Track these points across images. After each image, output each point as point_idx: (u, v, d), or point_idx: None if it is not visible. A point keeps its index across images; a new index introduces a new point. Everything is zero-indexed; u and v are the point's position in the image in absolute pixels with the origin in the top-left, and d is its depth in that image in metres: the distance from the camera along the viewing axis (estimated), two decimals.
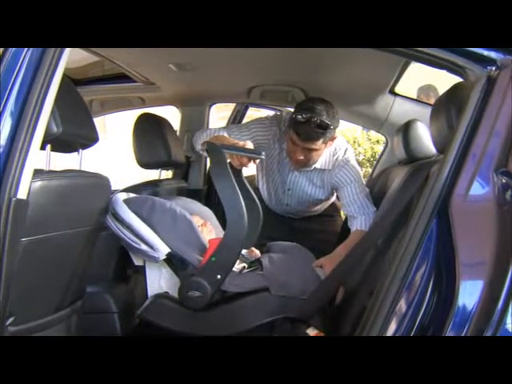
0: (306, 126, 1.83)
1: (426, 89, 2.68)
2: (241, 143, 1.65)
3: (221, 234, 1.77)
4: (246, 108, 2.86)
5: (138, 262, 1.69)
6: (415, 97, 2.52)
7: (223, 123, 2.92)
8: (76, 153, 1.41)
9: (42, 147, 1.21)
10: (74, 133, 1.30)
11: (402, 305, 1.07)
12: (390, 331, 1.07)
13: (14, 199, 1.08)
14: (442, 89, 1.79)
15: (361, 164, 6.00)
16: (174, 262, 1.63)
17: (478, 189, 1.06)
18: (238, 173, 1.70)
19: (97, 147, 1.47)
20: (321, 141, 1.88)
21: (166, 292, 1.64)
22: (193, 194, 2.41)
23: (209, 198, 2.63)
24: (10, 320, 1.18)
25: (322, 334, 1.52)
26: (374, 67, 1.92)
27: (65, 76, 1.20)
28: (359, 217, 1.96)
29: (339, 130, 2.06)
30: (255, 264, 1.73)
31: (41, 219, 1.21)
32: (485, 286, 1.00)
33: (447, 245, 1.05)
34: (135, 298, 1.84)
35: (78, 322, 1.49)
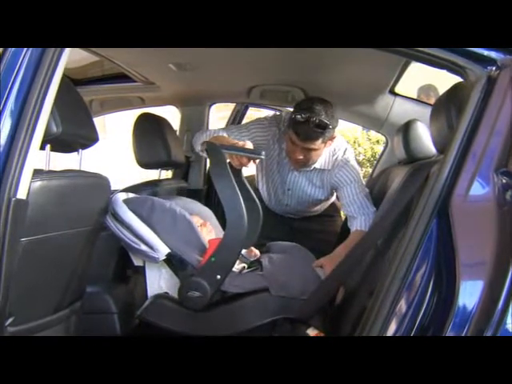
0: (305, 126, 1.83)
1: (426, 89, 2.68)
2: (240, 143, 1.64)
3: (220, 234, 1.77)
4: (246, 108, 2.85)
5: (137, 262, 1.69)
6: (415, 97, 2.52)
7: (223, 123, 2.93)
8: (76, 153, 1.41)
9: (42, 147, 1.20)
10: (73, 133, 1.30)
11: (402, 305, 1.07)
12: (390, 331, 1.07)
13: (13, 199, 1.08)
14: (442, 89, 1.79)
15: (361, 164, 6.00)
16: (173, 262, 1.63)
17: (478, 189, 1.06)
18: (237, 173, 1.69)
19: (96, 147, 1.47)
20: (320, 140, 1.88)
21: (166, 292, 1.64)
22: (193, 194, 2.41)
23: (209, 198, 2.63)
24: (10, 320, 1.17)
25: (322, 335, 1.52)
26: (374, 67, 1.92)
27: (64, 76, 1.20)
28: (359, 217, 1.96)
29: (339, 130, 2.06)
30: (255, 264, 1.73)
31: (40, 219, 1.21)
32: (485, 286, 1.00)
33: (447, 245, 1.05)
34: (135, 298, 1.84)
35: (77, 323, 1.49)
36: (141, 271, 1.70)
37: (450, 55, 1.13)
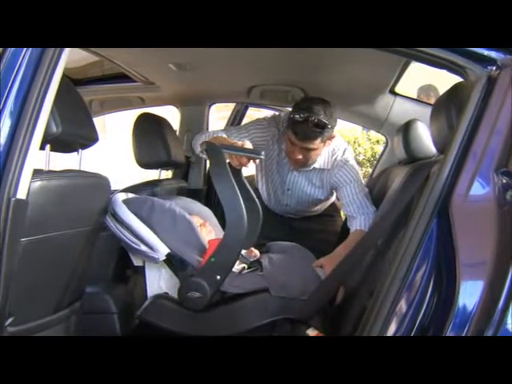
0: (304, 126, 1.83)
1: (427, 88, 2.67)
2: (239, 143, 1.64)
3: (220, 233, 1.77)
4: (246, 108, 2.85)
5: (137, 262, 1.68)
6: (415, 97, 2.52)
7: (223, 123, 2.92)
8: (75, 153, 1.41)
9: (42, 147, 1.20)
10: (73, 133, 1.30)
11: (403, 305, 1.07)
12: (390, 332, 1.07)
13: (13, 199, 1.08)
14: (442, 89, 1.79)
15: (361, 164, 6.00)
16: (173, 262, 1.62)
17: (478, 189, 1.06)
18: (237, 173, 1.69)
19: (96, 147, 1.47)
20: (319, 140, 1.88)
21: (166, 293, 1.64)
22: (193, 194, 2.41)
23: (209, 198, 2.63)
24: (10, 320, 1.17)
25: (322, 335, 1.52)
26: (374, 67, 1.92)
27: (64, 76, 1.20)
28: (358, 217, 1.96)
29: (339, 130, 2.06)
30: (255, 265, 1.73)
31: (40, 219, 1.21)
32: (485, 286, 1.00)
33: (447, 245, 1.05)
34: (135, 298, 1.84)
35: (77, 323, 1.49)
36: (140, 271, 1.70)
37: (450, 55, 1.13)
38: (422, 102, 2.44)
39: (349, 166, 2.03)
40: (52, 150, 1.27)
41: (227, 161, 1.60)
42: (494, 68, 1.10)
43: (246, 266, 1.71)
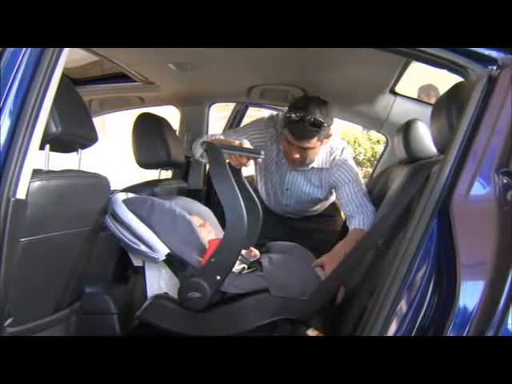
0: (300, 125, 1.84)
1: (427, 88, 2.67)
2: (237, 142, 1.64)
3: (220, 233, 1.77)
4: (246, 107, 2.85)
5: (137, 262, 1.68)
6: (416, 96, 2.51)
7: (223, 123, 2.92)
8: (75, 153, 1.41)
9: (41, 147, 1.20)
10: (73, 133, 1.30)
11: (403, 305, 1.07)
12: (391, 332, 1.07)
13: (12, 199, 1.08)
14: (442, 88, 1.79)
15: (361, 164, 6.00)
16: (173, 262, 1.62)
17: (478, 189, 1.06)
18: (237, 173, 1.69)
19: (96, 147, 1.47)
20: (315, 139, 1.88)
21: (166, 293, 1.64)
22: (192, 194, 2.41)
23: (208, 198, 2.63)
24: (9, 321, 1.17)
25: (322, 335, 1.52)
26: (374, 67, 1.92)
27: (64, 75, 1.20)
28: (357, 216, 1.96)
29: (339, 131, 2.06)
30: (255, 265, 1.73)
31: (40, 219, 1.21)
32: (486, 286, 1.00)
33: (448, 245, 1.05)
34: (134, 298, 1.84)
35: (76, 323, 1.49)
36: (140, 271, 1.70)
37: (450, 55, 1.12)
38: (422, 101, 2.44)
39: (347, 165, 2.03)
40: (51, 149, 1.27)
41: (227, 161, 1.59)
42: (495, 68, 1.10)
43: (245, 266, 1.71)
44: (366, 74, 2.04)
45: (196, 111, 2.66)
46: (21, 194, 1.10)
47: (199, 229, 1.71)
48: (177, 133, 2.51)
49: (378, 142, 5.91)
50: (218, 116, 3.61)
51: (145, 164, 2.08)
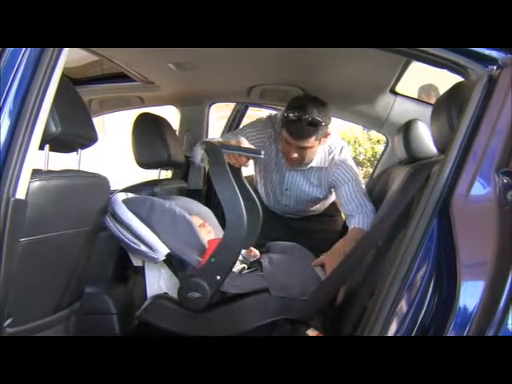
0: (298, 124, 1.84)
1: (427, 88, 2.67)
2: (233, 141, 1.64)
3: (220, 233, 1.77)
4: (246, 107, 2.85)
5: (137, 262, 1.68)
6: (416, 96, 2.51)
7: (223, 122, 2.92)
8: (75, 153, 1.41)
9: (41, 147, 1.20)
10: (72, 133, 1.30)
11: (403, 305, 1.07)
12: (391, 332, 1.07)
13: (12, 199, 1.08)
14: (442, 88, 1.79)
15: (361, 164, 6.00)
16: (173, 262, 1.62)
17: (479, 189, 1.06)
18: (237, 173, 1.69)
19: (96, 147, 1.46)
20: (313, 138, 1.88)
21: (166, 293, 1.64)
22: (192, 194, 2.41)
23: (208, 198, 2.63)
24: (8, 321, 1.17)
25: (322, 335, 1.52)
26: (374, 66, 1.92)
27: (63, 75, 1.20)
28: (357, 215, 1.96)
29: (339, 131, 2.06)
30: (255, 265, 1.73)
31: (39, 219, 1.20)
32: (486, 286, 1.00)
33: (448, 245, 1.05)
34: (134, 298, 1.84)
35: (76, 324, 1.49)
36: (140, 271, 1.70)
37: (450, 55, 1.12)
38: (422, 101, 2.43)
39: (347, 164, 2.03)
40: (51, 149, 1.27)
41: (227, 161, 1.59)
42: (495, 67, 1.10)
43: (245, 266, 1.71)
44: (366, 73, 2.04)
45: (196, 111, 2.66)
46: (20, 193, 1.10)
47: (199, 229, 1.70)
48: (177, 133, 2.51)
49: (379, 141, 5.91)
50: (217, 116, 3.61)
51: (144, 164, 2.08)
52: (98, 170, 1.49)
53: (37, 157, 1.14)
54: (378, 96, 2.32)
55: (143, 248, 1.57)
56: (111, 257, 1.77)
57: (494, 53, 1.10)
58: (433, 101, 2.34)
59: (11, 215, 1.08)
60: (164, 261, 1.61)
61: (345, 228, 2.08)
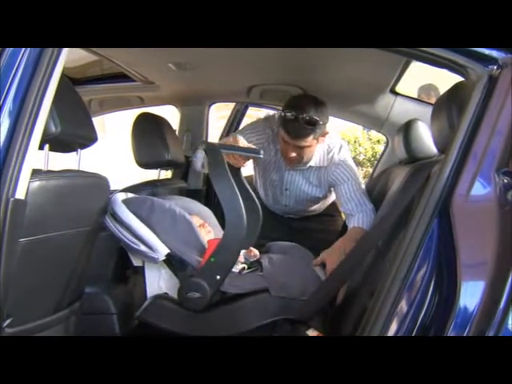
0: (295, 124, 1.84)
1: (427, 88, 2.67)
2: (230, 139, 1.64)
3: (220, 233, 1.76)
4: (246, 107, 2.85)
5: (137, 262, 1.68)
6: (416, 96, 2.51)
7: (223, 122, 2.92)
8: (75, 153, 1.41)
9: (41, 147, 1.20)
10: (72, 132, 1.29)
11: (403, 305, 1.07)
12: (391, 332, 1.07)
13: (12, 199, 1.07)
14: (442, 88, 1.79)
15: (361, 164, 6.00)
16: (173, 262, 1.62)
17: (479, 189, 1.06)
18: (236, 173, 1.69)
19: (96, 147, 1.46)
20: (311, 137, 1.88)
21: (166, 293, 1.64)
22: (192, 194, 2.40)
23: (208, 198, 2.62)
24: (8, 321, 1.17)
25: (322, 335, 1.52)
26: (374, 66, 1.92)
27: (63, 75, 1.19)
28: (357, 214, 1.96)
29: (339, 130, 2.06)
30: (255, 265, 1.72)
31: (39, 219, 1.20)
32: (486, 286, 1.00)
33: (448, 245, 1.05)
34: (134, 298, 1.83)
35: (76, 324, 1.49)
36: (140, 272, 1.69)
37: (451, 54, 1.12)
38: (422, 101, 2.43)
39: (346, 163, 2.03)
40: (51, 149, 1.27)
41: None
42: (495, 67, 1.10)
43: (245, 267, 1.71)
44: (367, 73, 2.04)
45: (196, 111, 2.66)
46: (20, 194, 1.10)
47: (199, 229, 1.70)
48: (176, 133, 2.51)
49: (379, 141, 5.91)
50: (217, 116, 3.61)
51: (144, 164, 2.07)
52: (98, 170, 1.49)
53: (36, 157, 1.14)
54: (378, 96, 2.32)
55: (143, 248, 1.57)
56: (111, 257, 1.77)
57: (494, 52, 1.10)
58: (433, 101, 2.34)
59: (11, 215, 1.07)
60: (164, 261, 1.60)
61: (345, 228, 2.08)
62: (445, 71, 1.20)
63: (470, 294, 1.00)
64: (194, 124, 2.64)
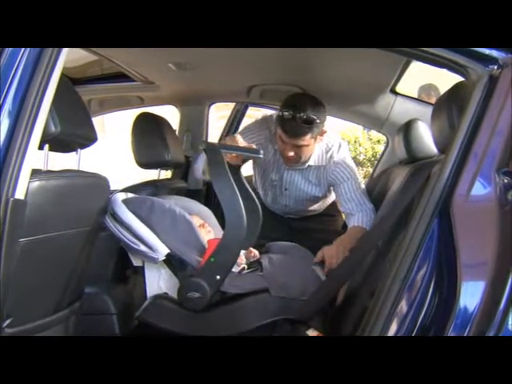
0: (293, 123, 1.84)
1: (427, 88, 2.67)
2: (228, 140, 1.64)
3: (220, 233, 1.76)
4: (246, 107, 2.85)
5: (136, 262, 1.68)
6: (416, 96, 2.51)
7: (223, 122, 2.92)
8: (74, 152, 1.40)
9: (40, 147, 1.20)
10: (72, 132, 1.29)
11: (403, 306, 1.07)
12: (391, 332, 1.07)
13: (11, 199, 1.07)
14: (443, 88, 1.79)
15: (362, 164, 5.99)
16: (173, 262, 1.62)
17: (479, 189, 1.06)
18: (236, 173, 1.69)
19: (95, 147, 1.46)
20: (308, 136, 1.88)
21: (165, 293, 1.64)
22: (192, 194, 2.40)
23: (208, 198, 2.62)
24: (8, 321, 1.17)
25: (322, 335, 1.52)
26: (374, 66, 1.92)
27: (63, 75, 1.19)
28: (357, 214, 1.96)
29: (340, 130, 2.06)
30: (255, 265, 1.72)
31: (39, 219, 1.20)
32: (486, 286, 1.00)
33: (448, 245, 1.05)
34: (134, 299, 1.83)
35: (76, 324, 1.49)
36: (140, 272, 1.69)
37: (451, 54, 1.12)
38: (422, 101, 2.43)
39: (345, 163, 2.03)
40: (50, 149, 1.27)
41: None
42: (496, 67, 1.10)
43: (245, 267, 1.70)
44: (367, 73, 2.04)
45: (196, 111, 2.66)
46: (20, 194, 1.10)
47: (199, 229, 1.70)
48: (176, 133, 2.51)
49: (379, 141, 5.90)
50: (217, 116, 3.61)
51: (144, 164, 2.07)
52: (98, 170, 1.49)
53: (36, 157, 1.14)
54: (379, 96, 2.32)
55: (143, 248, 1.56)
56: (111, 257, 1.77)
57: (494, 52, 1.10)
58: (433, 100, 2.34)
59: (10, 215, 1.07)
60: (164, 261, 1.60)
61: (345, 228, 2.08)
62: (445, 71, 1.20)
63: (471, 294, 1.01)
64: (194, 124, 2.64)
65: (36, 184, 1.16)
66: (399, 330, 1.06)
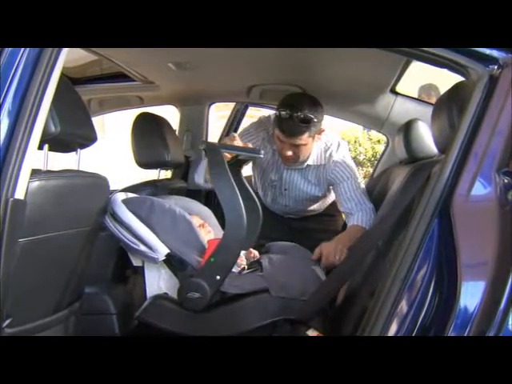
0: (290, 122, 1.84)
1: (428, 88, 2.67)
2: (227, 140, 1.64)
3: (220, 233, 1.76)
4: (246, 107, 2.85)
5: (136, 262, 1.68)
6: (416, 96, 2.51)
7: (223, 122, 2.92)
8: (74, 152, 1.40)
9: (40, 147, 1.20)
10: (72, 132, 1.29)
11: (404, 306, 1.07)
12: (391, 332, 1.07)
13: (11, 199, 1.07)
14: (443, 88, 1.79)
15: (362, 164, 6.00)
16: (173, 262, 1.62)
17: (479, 189, 1.06)
18: (236, 172, 1.69)
19: (95, 147, 1.46)
20: (306, 135, 1.88)
21: (165, 293, 1.63)
22: (192, 194, 2.40)
23: (208, 198, 2.62)
24: (8, 321, 1.17)
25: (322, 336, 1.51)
26: (374, 66, 1.92)
27: (63, 75, 1.19)
28: (356, 213, 1.96)
29: (340, 130, 2.06)
30: (255, 265, 1.72)
31: (38, 219, 1.20)
32: (487, 286, 1.00)
33: (449, 245, 1.05)
34: (134, 299, 1.83)
35: (76, 324, 1.49)
36: (140, 272, 1.69)
37: (451, 54, 1.12)
38: (423, 101, 2.43)
39: (345, 162, 2.04)
40: (50, 149, 1.27)
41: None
42: (496, 67, 1.10)
43: (245, 267, 1.70)
44: (367, 73, 2.04)
45: (196, 111, 2.66)
46: (19, 194, 1.10)
47: (199, 229, 1.70)
48: (176, 133, 2.51)
49: (379, 141, 5.91)
50: (217, 116, 3.61)
51: (144, 164, 2.07)
52: (98, 170, 1.49)
53: (36, 157, 1.14)
54: (379, 96, 2.32)
55: (143, 248, 1.56)
56: (111, 257, 1.77)
57: (494, 52, 1.10)
58: (433, 100, 2.34)
59: (10, 215, 1.07)
60: (164, 261, 1.60)
61: (345, 228, 2.08)
62: (445, 71, 1.20)
63: (471, 295, 1.00)
64: (194, 124, 2.64)
65: (36, 184, 1.16)
66: (399, 330, 1.06)
